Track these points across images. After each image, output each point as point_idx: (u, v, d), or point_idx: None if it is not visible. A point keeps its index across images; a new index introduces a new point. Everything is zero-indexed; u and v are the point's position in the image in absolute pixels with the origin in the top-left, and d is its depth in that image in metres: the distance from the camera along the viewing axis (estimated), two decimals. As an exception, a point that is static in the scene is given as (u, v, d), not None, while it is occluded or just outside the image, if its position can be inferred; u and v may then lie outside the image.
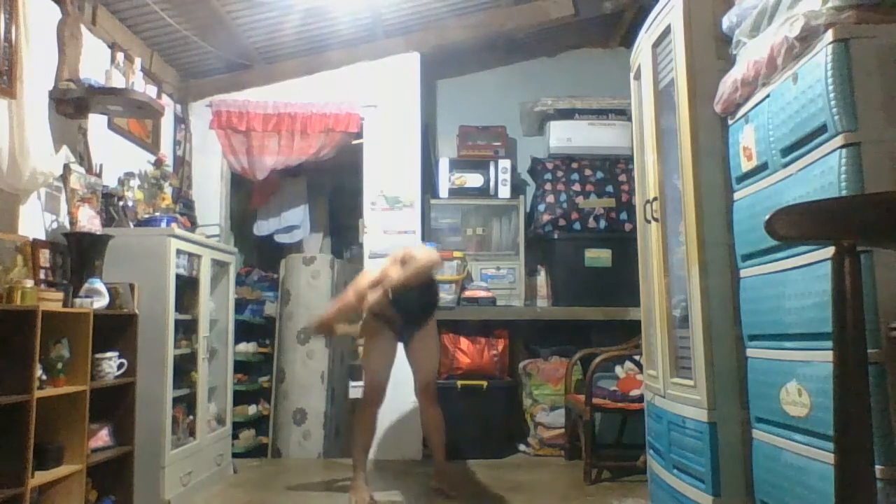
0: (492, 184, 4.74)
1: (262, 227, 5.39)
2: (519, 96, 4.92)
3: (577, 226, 4.55)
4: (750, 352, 2.16)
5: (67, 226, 3.02)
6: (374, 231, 4.49)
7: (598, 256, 4.48)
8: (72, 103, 3.02)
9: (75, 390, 2.57)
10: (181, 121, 4.41)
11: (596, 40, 5.10)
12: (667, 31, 2.54)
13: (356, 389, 4.52)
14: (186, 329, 3.52)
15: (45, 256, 2.84)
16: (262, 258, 5.70)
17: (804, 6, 1.83)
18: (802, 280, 1.82)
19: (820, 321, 1.73)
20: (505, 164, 4.77)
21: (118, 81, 3.12)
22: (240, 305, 4.63)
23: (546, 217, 4.55)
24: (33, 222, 2.87)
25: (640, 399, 3.42)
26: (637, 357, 3.66)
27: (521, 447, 4.47)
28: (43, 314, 2.32)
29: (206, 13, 3.71)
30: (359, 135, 4.52)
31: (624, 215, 4.52)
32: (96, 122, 3.37)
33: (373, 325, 3.35)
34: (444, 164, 4.77)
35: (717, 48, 2.35)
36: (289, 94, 4.48)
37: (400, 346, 3.43)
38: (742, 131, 2.19)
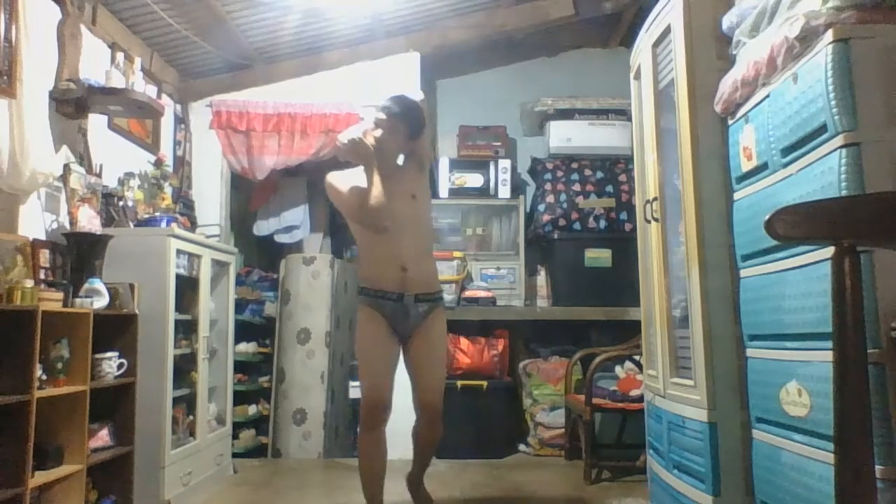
0: (492, 184, 4.74)
1: (261, 227, 5.39)
2: (519, 96, 4.91)
3: (577, 226, 4.55)
4: (750, 352, 2.16)
5: (67, 226, 3.02)
6: (374, 231, 4.49)
7: (598, 256, 4.48)
8: (72, 103, 3.02)
9: (75, 390, 2.57)
10: (181, 121, 4.41)
11: (596, 40, 5.10)
12: (667, 31, 2.54)
13: (356, 389, 4.52)
14: (186, 329, 3.52)
15: (45, 256, 2.84)
16: (262, 258, 5.70)
17: (804, 6, 1.83)
18: (802, 280, 1.82)
19: (820, 321, 1.73)
20: (505, 164, 4.78)
21: (118, 81, 3.12)
22: (240, 305, 4.63)
23: (546, 217, 4.55)
24: (33, 222, 2.87)
25: (640, 399, 3.42)
26: (637, 357, 3.66)
27: (521, 447, 4.47)
28: (43, 314, 2.32)
29: (206, 13, 3.70)
30: (359, 135, 4.51)
31: (624, 215, 4.52)
32: (96, 122, 3.37)
33: (365, 315, 2.67)
34: (444, 164, 4.77)
35: (717, 48, 2.35)
36: (289, 95, 4.48)
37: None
38: (742, 131, 2.19)
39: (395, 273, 2.64)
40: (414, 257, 2.67)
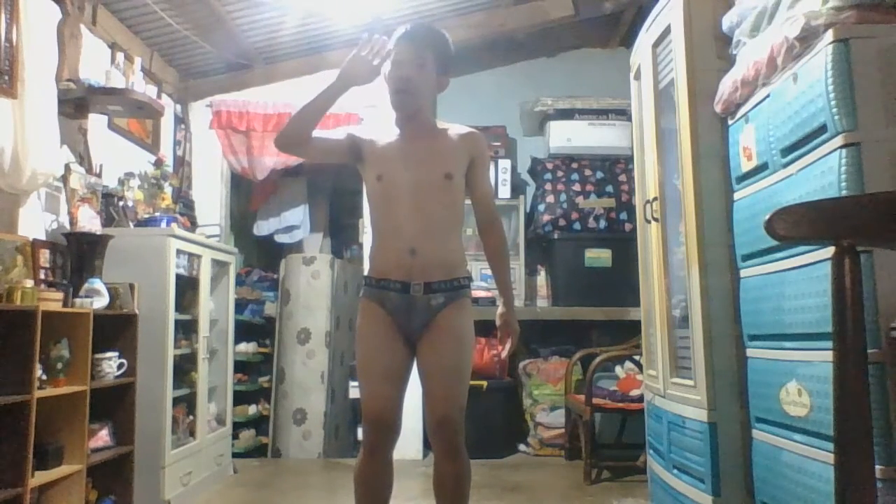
0: (492, 184, 4.74)
1: (262, 227, 5.39)
2: (519, 96, 4.91)
3: (577, 226, 4.54)
4: (750, 352, 2.16)
5: (67, 226, 3.02)
6: (374, 231, 4.49)
7: (598, 256, 4.48)
8: (72, 103, 3.02)
9: (75, 390, 2.56)
10: (181, 121, 4.41)
11: (596, 40, 5.10)
12: (667, 31, 2.54)
13: (356, 389, 4.52)
14: (186, 329, 3.52)
15: (45, 256, 2.84)
16: (262, 258, 5.70)
17: (804, 6, 1.83)
18: (802, 280, 1.82)
19: (820, 321, 1.73)
20: (505, 164, 4.77)
21: (118, 81, 3.12)
22: (240, 305, 4.63)
23: (546, 217, 4.54)
24: (33, 222, 2.87)
25: (640, 399, 3.42)
26: (637, 357, 3.66)
27: (521, 447, 4.47)
28: (43, 314, 2.32)
29: (206, 13, 3.70)
30: (359, 135, 4.51)
31: (624, 215, 4.52)
32: (96, 122, 3.37)
33: (364, 311, 2.10)
34: (443, 165, 4.76)
35: (717, 48, 2.35)
36: (289, 94, 4.47)
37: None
38: (742, 131, 2.19)
39: (400, 257, 2.05)
40: (426, 236, 2.07)
